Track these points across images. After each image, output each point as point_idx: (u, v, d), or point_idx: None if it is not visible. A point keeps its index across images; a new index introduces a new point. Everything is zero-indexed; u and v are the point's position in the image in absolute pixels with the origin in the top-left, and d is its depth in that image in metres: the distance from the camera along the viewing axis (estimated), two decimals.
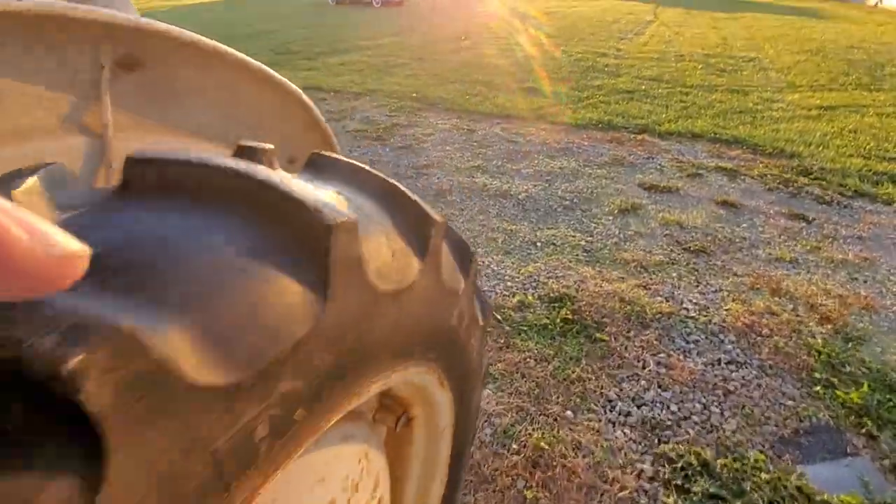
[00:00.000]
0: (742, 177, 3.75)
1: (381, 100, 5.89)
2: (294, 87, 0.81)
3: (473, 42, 10.83)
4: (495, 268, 2.52)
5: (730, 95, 6.20)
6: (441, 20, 14.07)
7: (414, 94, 6.07)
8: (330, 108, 5.48)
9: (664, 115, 5.33)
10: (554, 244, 2.77)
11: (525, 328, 2.06)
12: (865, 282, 2.46)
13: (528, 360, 1.89)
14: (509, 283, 2.39)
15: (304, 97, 0.84)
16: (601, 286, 2.34)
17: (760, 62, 8.44)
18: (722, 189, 3.53)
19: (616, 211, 3.16)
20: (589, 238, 2.83)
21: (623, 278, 2.43)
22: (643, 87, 6.67)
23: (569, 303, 2.21)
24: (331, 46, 9.97)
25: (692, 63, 8.36)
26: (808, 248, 2.75)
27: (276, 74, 0.76)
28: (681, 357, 1.91)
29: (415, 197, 0.59)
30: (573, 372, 1.83)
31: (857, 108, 5.83)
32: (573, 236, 2.85)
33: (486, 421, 1.62)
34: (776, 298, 2.28)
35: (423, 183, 3.58)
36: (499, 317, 2.13)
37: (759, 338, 2.02)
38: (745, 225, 3.01)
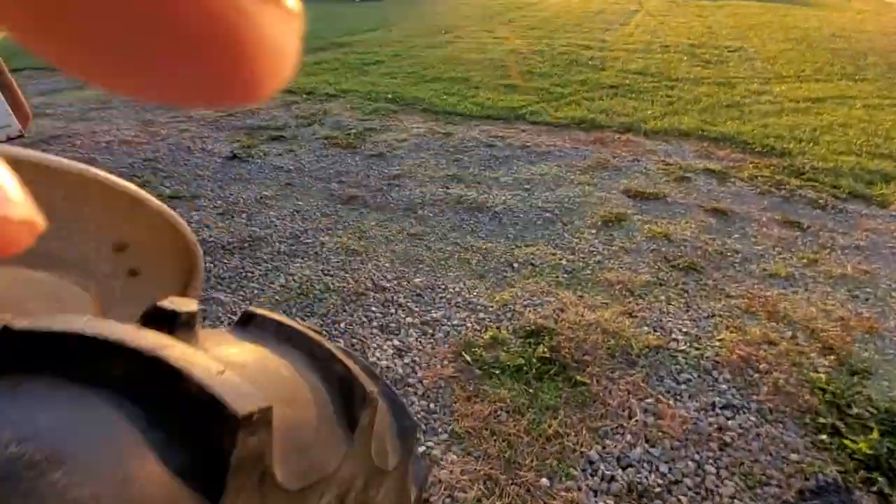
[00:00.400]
0: (732, 179, 3.56)
1: (355, 102, 5.61)
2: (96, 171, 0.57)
3: (454, 36, 10.54)
4: (467, 295, 2.30)
5: (716, 88, 6.02)
6: (421, 14, 13.72)
7: (389, 95, 5.79)
8: (300, 113, 5.20)
9: (650, 112, 5.13)
10: (532, 264, 2.55)
11: (497, 371, 1.84)
12: (867, 300, 2.28)
13: (499, 412, 1.67)
14: (482, 315, 2.16)
15: (105, 177, 0.60)
16: (583, 315, 2.13)
17: (746, 52, 8.28)
18: (711, 194, 3.34)
19: (600, 223, 2.95)
20: (570, 256, 2.61)
21: (606, 304, 2.21)
22: (628, 81, 6.46)
23: (547, 337, 1.99)
24: (307, 44, 9.51)
25: (678, 54, 8.16)
26: (805, 261, 2.56)
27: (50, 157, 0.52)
28: (671, 402, 1.71)
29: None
30: (550, 426, 1.61)
31: (843, 100, 5.68)
32: (553, 254, 2.63)
33: (448, 496, 1.40)
34: (773, 324, 2.09)
35: (394, 196, 3.33)
36: (469, 358, 1.91)
37: (756, 374, 1.82)
38: (736, 235, 2.81)
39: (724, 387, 1.77)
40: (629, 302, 2.23)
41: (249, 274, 2.51)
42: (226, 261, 2.63)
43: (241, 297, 2.34)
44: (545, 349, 1.92)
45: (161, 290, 0.74)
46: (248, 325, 0.55)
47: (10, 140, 3.51)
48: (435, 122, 4.88)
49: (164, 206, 0.69)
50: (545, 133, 4.61)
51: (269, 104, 5.57)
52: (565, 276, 2.44)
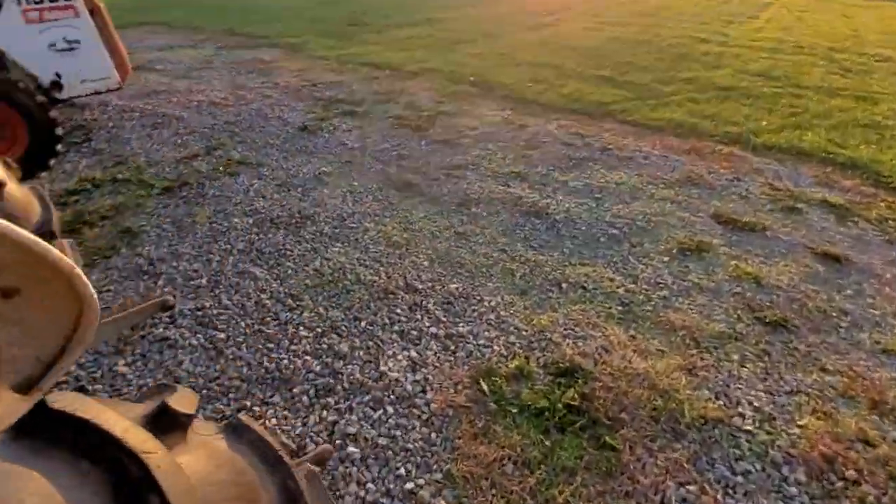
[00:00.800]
0: (854, 218, 2.93)
1: (436, 81, 5.44)
2: None
3: (556, 19, 9.95)
4: (502, 313, 2.07)
5: (853, 103, 5.07)
6: None
7: (471, 77, 5.55)
8: (379, 89, 5.13)
9: (765, 123, 4.43)
10: (584, 287, 2.25)
11: (515, 410, 1.62)
12: None
13: (505, 461, 1.46)
14: (512, 339, 1.93)
15: None
16: (630, 361, 1.82)
17: None
18: (825, 234, 2.77)
19: (675, 250, 2.55)
20: (631, 285, 2.28)
21: (663, 352, 1.88)
22: (745, 83, 5.65)
23: (581, 380, 1.73)
24: (404, 17, 9.58)
25: (812, 57, 7.03)
26: None
27: None
28: (719, 496, 1.39)
29: None
30: (561, 493, 1.38)
31: None
32: (611, 280, 2.31)
33: None
34: (875, 417, 1.65)
35: (450, 187, 3.14)
36: (486, 388, 1.70)
37: (840, 482, 1.44)
38: (849, 291, 2.29)
39: (794, 490, 1.41)
40: (692, 354, 1.88)
41: (288, 252, 2.48)
42: (270, 235, 2.61)
43: (274, 276, 2.31)
44: (576, 395, 1.66)
45: (48, 312, 0.64)
46: (28, 434, 0.40)
47: (109, 91, 3.78)
48: (512, 111, 4.58)
49: (24, 231, 0.58)
50: (633, 135, 4.14)
51: (352, 77, 5.58)
52: (619, 308, 2.13)
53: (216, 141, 3.78)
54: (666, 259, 2.48)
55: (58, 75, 3.40)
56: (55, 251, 0.58)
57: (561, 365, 1.79)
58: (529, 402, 1.64)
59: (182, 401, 0.51)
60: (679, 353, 1.89)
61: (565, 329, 1.99)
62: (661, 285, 2.28)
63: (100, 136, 3.83)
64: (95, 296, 0.64)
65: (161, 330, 2.00)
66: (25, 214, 1.39)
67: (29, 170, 3.22)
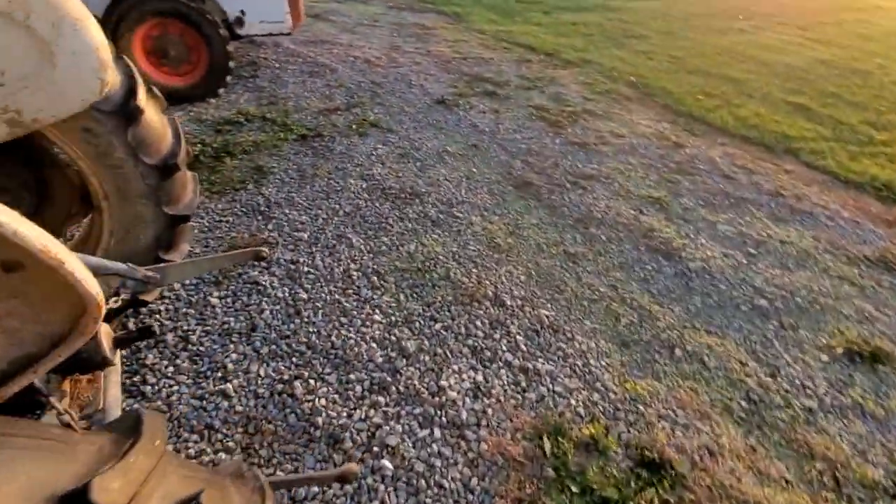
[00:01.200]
0: None
1: (590, 76, 4.98)
2: None
3: (752, 25, 8.56)
4: (592, 362, 1.78)
5: None
6: None
7: (632, 78, 4.98)
8: (526, 74, 4.85)
9: None
10: (702, 362, 1.85)
11: (575, 488, 1.37)
12: None
13: None
14: (596, 397, 1.64)
15: None
16: (740, 479, 1.44)
17: None
18: None
19: (840, 350, 1.98)
20: (767, 378, 1.81)
21: (788, 483, 1.46)
22: None
23: (668, 482, 1.40)
24: (575, 1, 8.98)
25: None
26: None
27: None
28: None
29: None
30: None
31: None
32: (742, 364, 1.86)
33: None
34: None
35: (573, 198, 2.82)
36: (549, 448, 1.46)
37: None
38: None
39: None
40: (827, 499, 1.42)
41: (389, 227, 2.42)
42: (377, 204, 2.58)
43: (369, 248, 2.27)
44: (657, 499, 1.35)
45: (52, 291, 0.57)
46: None
47: (280, 35, 4.04)
48: (671, 125, 4.00)
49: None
50: (819, 185, 3.36)
51: (503, 56, 5.35)
52: (744, 403, 1.70)
53: (358, 99, 3.87)
54: (825, 358, 1.94)
55: (242, 12, 3.70)
56: (45, 243, 0.50)
57: (647, 453, 1.48)
58: (595, 486, 1.37)
59: (116, 480, 0.38)
60: (810, 490, 1.44)
61: (665, 408, 1.64)
62: (808, 391, 1.78)
63: (265, 75, 4.14)
64: (91, 284, 0.57)
65: (255, 273, 2.07)
66: (156, 144, 1.46)
67: (200, 94, 3.61)
